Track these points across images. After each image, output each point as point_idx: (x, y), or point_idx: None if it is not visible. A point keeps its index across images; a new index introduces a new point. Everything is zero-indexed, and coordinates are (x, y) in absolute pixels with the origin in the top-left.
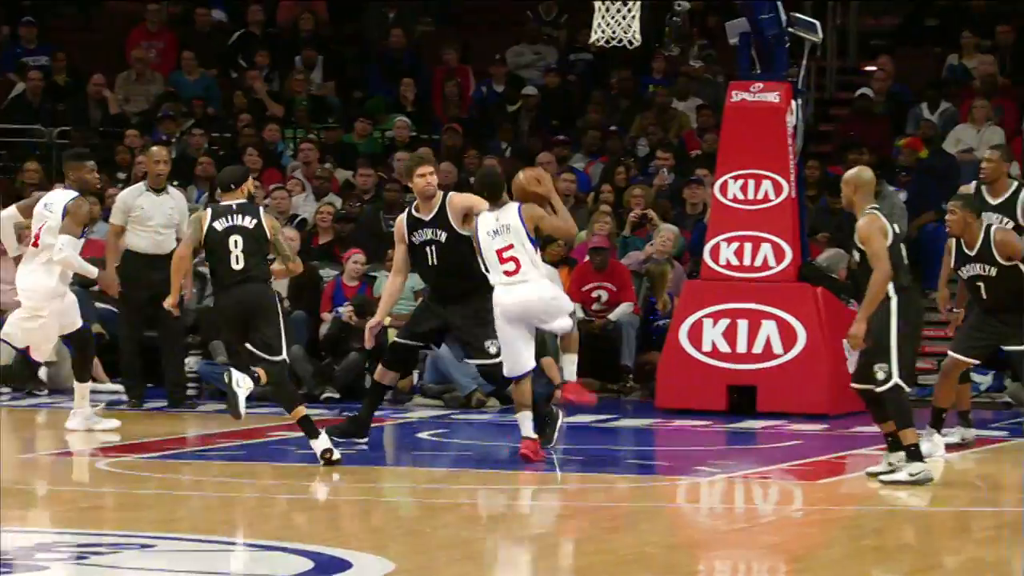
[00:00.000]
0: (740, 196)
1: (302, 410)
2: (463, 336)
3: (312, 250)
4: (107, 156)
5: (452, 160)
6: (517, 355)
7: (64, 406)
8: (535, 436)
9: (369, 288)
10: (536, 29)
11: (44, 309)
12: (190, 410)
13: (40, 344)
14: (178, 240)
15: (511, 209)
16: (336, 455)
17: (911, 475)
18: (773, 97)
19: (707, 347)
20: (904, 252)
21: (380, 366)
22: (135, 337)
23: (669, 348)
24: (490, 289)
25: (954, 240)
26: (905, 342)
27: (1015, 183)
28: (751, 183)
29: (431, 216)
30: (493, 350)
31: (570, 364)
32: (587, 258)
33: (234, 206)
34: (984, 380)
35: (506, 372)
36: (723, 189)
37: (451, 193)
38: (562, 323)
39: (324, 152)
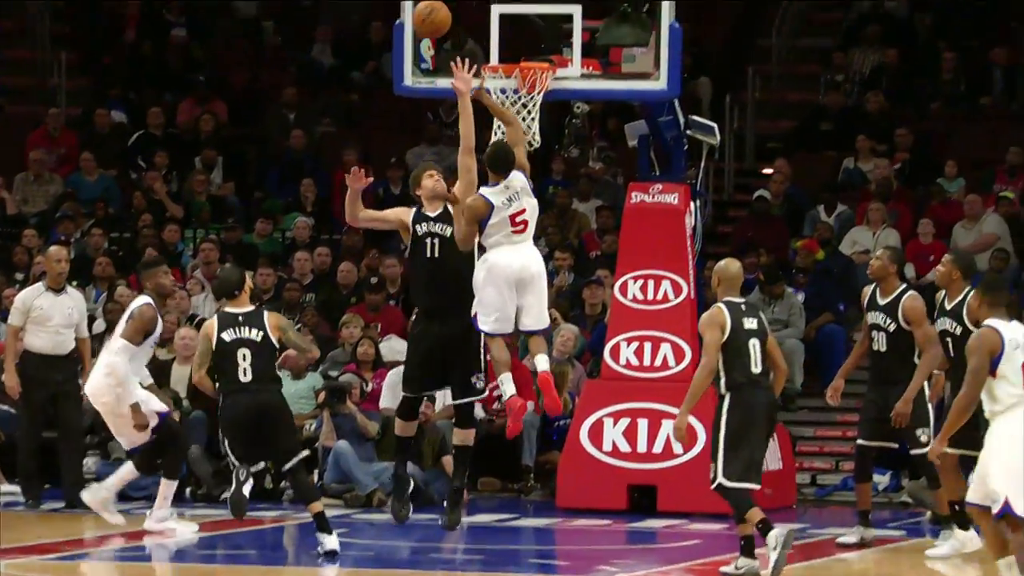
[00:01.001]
0: (640, 296)
1: (318, 505)
2: (455, 377)
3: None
4: (4, 257)
5: (352, 260)
6: (496, 314)
7: None
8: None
9: None
10: (436, 130)
11: (100, 401)
12: (88, 511)
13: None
14: (77, 339)
15: (517, 175)
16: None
17: (736, 568)
18: (672, 199)
19: (607, 447)
20: (756, 348)
21: (399, 420)
22: (34, 437)
23: (570, 448)
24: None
25: (942, 293)
26: (734, 440)
27: (902, 286)
28: (651, 283)
29: (437, 214)
30: (480, 385)
31: (543, 360)
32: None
33: (240, 317)
34: (882, 480)
35: (482, 327)
36: (623, 289)
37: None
38: (543, 305)
39: (224, 252)
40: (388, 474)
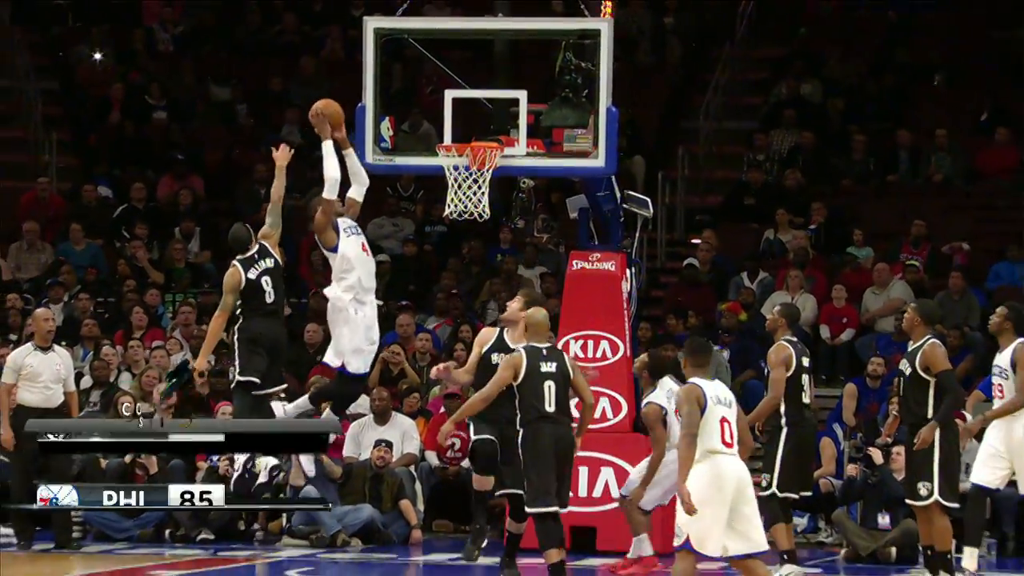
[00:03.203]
0: (580, 355)
1: None
2: (513, 470)
3: (189, 400)
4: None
5: (318, 321)
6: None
7: None
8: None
9: None
10: (395, 203)
11: None
12: (76, 551)
13: None
14: (65, 393)
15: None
16: None
17: None
18: (609, 266)
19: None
20: (551, 389)
21: (476, 475)
22: (26, 484)
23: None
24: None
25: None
26: (530, 468)
27: (783, 338)
28: (590, 343)
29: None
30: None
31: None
32: (442, 408)
33: (255, 254)
34: (800, 522)
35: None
36: (565, 348)
37: None
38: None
39: (201, 314)
40: (352, 517)
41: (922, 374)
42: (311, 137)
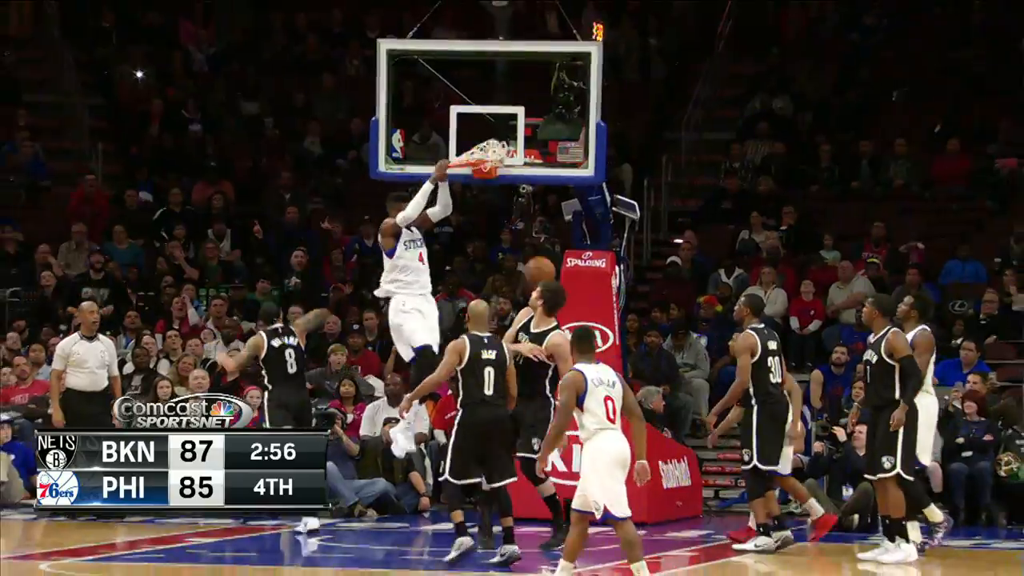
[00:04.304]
0: None
1: None
2: (523, 432)
3: (221, 387)
4: (51, 312)
5: (337, 314)
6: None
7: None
8: None
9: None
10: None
11: None
12: (119, 521)
13: None
14: (109, 378)
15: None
16: None
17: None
18: (600, 263)
19: (548, 467)
20: (491, 375)
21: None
22: None
23: (517, 468)
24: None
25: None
26: (460, 448)
27: (749, 326)
28: None
29: (537, 331)
30: (537, 447)
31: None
32: (450, 391)
33: (280, 329)
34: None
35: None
36: None
37: (558, 331)
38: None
39: (232, 307)
40: (367, 489)
41: (887, 360)
42: (332, 147)
